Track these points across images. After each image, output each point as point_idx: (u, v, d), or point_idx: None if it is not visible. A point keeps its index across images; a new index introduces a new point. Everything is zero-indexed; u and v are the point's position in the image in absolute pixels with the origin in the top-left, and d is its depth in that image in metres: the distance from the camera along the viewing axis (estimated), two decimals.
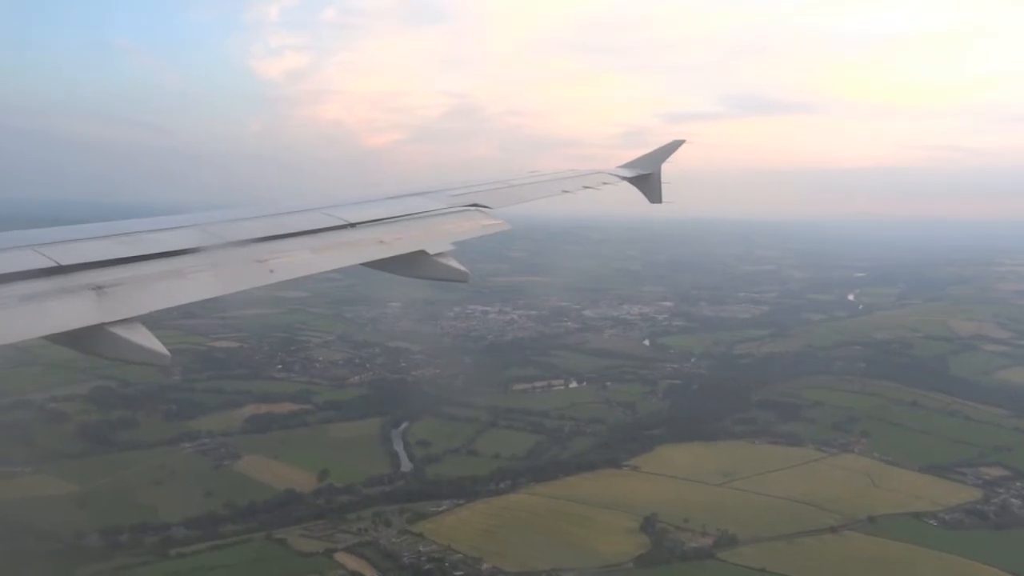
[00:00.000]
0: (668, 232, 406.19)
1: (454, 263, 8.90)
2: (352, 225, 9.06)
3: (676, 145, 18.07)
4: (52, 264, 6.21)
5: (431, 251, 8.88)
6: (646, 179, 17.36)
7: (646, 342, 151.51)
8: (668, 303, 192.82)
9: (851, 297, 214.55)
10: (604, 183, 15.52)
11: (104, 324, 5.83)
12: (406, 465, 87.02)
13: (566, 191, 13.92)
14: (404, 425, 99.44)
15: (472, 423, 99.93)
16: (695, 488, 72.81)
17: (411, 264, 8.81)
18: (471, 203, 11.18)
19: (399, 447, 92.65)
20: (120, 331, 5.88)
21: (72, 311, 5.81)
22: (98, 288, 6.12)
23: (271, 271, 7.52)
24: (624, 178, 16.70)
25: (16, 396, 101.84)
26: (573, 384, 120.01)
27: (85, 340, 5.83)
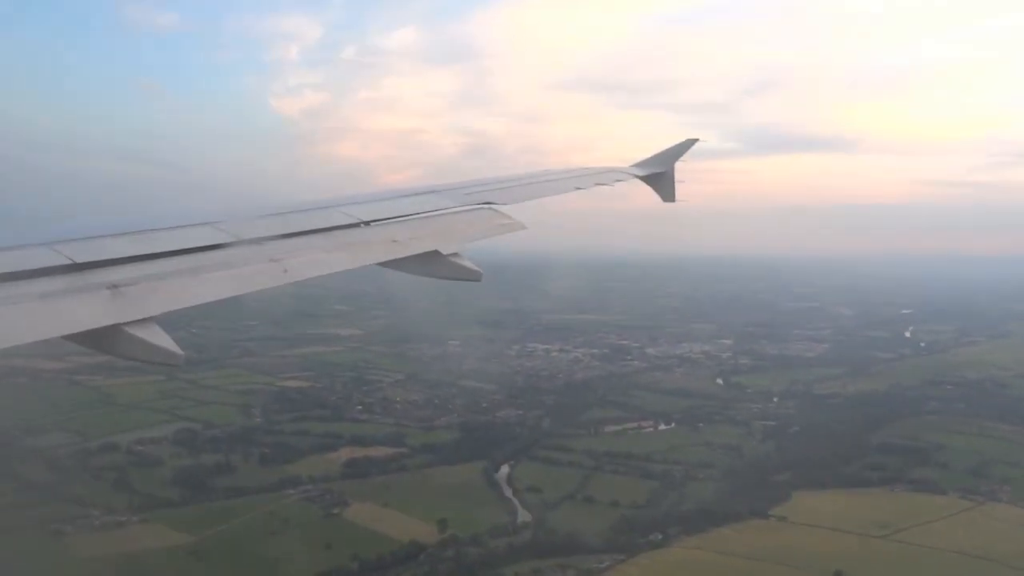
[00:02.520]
0: (697, 269, 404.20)
1: (467, 263, 8.75)
2: (366, 223, 8.93)
3: (690, 144, 17.45)
4: (68, 262, 6.14)
5: (444, 251, 8.75)
6: (659, 177, 16.86)
7: (719, 381, 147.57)
8: (727, 341, 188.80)
9: (908, 334, 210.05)
10: (617, 180, 15.14)
11: (120, 324, 5.74)
12: (522, 513, 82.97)
13: (579, 188, 13.56)
14: (505, 469, 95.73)
15: (575, 467, 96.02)
16: (861, 542, 68.48)
17: (425, 264, 8.66)
18: (484, 201, 10.98)
19: (508, 493, 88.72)
20: (136, 331, 5.75)
21: (89, 310, 5.73)
22: (113, 287, 6.05)
23: (285, 271, 7.35)
24: (637, 176, 16.30)
25: (101, 439, 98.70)
26: (662, 426, 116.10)
27: (101, 340, 5.74)
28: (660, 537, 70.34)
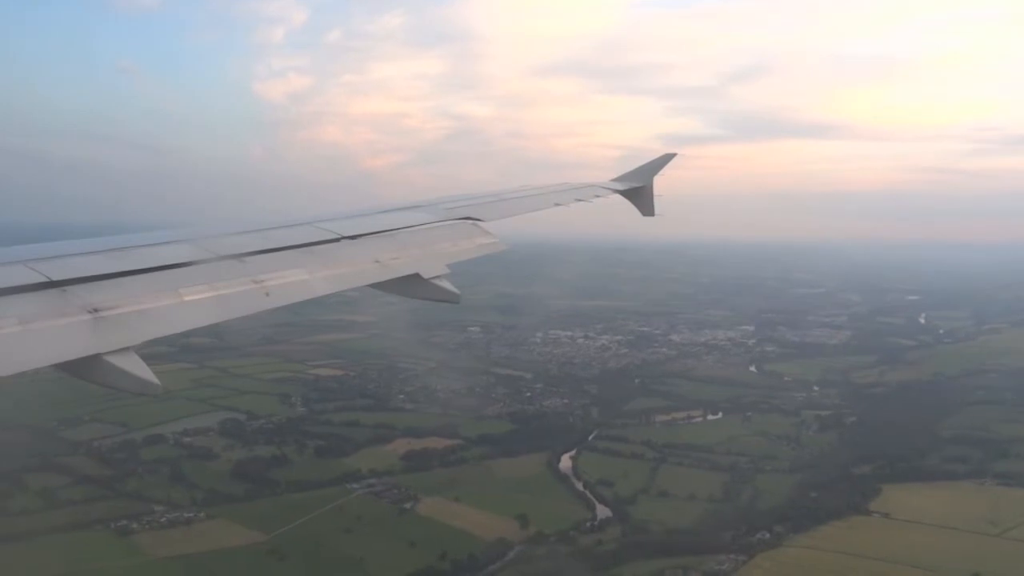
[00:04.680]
0: (689, 254, 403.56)
1: (447, 284, 8.77)
2: (350, 238, 8.90)
3: (668, 158, 17.88)
4: (44, 279, 6.00)
5: (426, 274, 8.66)
6: (638, 192, 17.27)
7: (752, 368, 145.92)
8: (748, 327, 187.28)
9: (922, 320, 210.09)
10: (596, 196, 15.41)
11: (100, 354, 5.61)
12: (599, 508, 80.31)
13: (558, 204, 13.82)
14: (567, 461, 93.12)
15: (639, 459, 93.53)
16: (979, 541, 65.80)
17: (406, 285, 8.63)
18: (464, 216, 11.00)
19: (579, 486, 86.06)
20: (116, 360, 5.65)
21: (70, 339, 5.59)
22: (94, 311, 5.88)
23: (267, 294, 7.18)
24: (616, 191, 16.59)
25: (144, 430, 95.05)
26: (710, 416, 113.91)
27: (80, 367, 5.57)
28: (767, 535, 67.69)
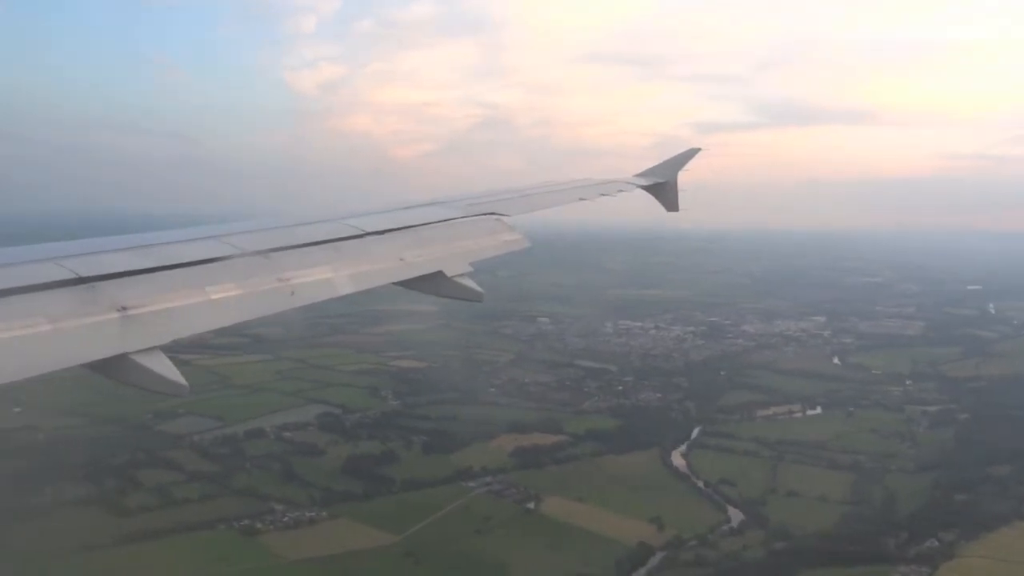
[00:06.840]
0: (729, 243, 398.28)
1: (471, 283, 8.70)
2: (375, 234, 8.77)
3: (692, 153, 17.84)
4: (73, 275, 5.86)
5: (449, 272, 8.60)
6: (662, 187, 17.04)
7: (836, 361, 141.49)
8: (818, 318, 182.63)
9: (992, 311, 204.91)
10: (620, 191, 15.34)
11: (128, 353, 5.48)
12: (730, 509, 76.88)
13: (583, 199, 13.75)
14: (678, 458, 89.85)
15: (753, 457, 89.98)
16: None
17: (429, 283, 8.56)
18: (488, 211, 10.79)
19: (699, 484, 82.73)
20: (143, 360, 5.51)
21: (98, 339, 5.49)
22: (122, 309, 5.76)
23: (292, 293, 7.08)
24: (640, 186, 16.40)
25: (241, 424, 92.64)
26: (809, 411, 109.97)
27: (108, 367, 5.47)
28: (936, 543, 63.84)
